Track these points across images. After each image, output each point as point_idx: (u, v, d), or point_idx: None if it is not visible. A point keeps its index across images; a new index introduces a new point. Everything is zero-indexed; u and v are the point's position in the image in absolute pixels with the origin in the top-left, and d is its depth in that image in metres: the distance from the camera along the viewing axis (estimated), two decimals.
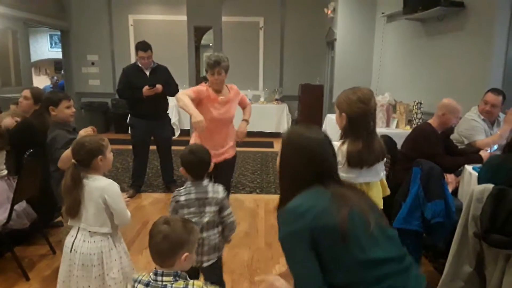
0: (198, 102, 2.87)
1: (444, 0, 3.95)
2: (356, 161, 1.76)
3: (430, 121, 2.99)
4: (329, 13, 6.94)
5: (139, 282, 1.37)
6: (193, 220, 1.84)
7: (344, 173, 1.73)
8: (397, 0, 5.07)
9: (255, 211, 4.03)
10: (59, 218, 3.26)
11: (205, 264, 2.02)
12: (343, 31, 6.59)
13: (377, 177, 1.92)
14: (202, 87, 2.98)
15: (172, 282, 1.33)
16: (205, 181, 2.03)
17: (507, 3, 3.45)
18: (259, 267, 2.88)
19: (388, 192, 2.04)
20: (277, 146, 7.10)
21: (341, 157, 1.77)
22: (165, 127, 4.44)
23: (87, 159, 1.85)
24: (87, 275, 1.82)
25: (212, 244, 2.02)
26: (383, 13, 5.86)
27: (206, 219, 1.98)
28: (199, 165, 2.01)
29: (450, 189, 2.65)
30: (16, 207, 2.69)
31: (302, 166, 1.28)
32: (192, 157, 2.00)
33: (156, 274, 1.35)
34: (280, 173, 1.36)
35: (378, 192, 1.94)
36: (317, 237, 1.16)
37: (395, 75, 5.79)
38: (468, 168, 2.67)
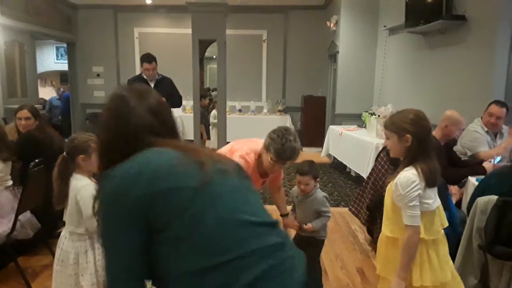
0: None
1: (446, 14, 3.99)
2: (432, 180, 1.65)
3: (433, 132, 3.00)
4: (331, 26, 7.01)
5: None
6: None
7: (425, 199, 1.65)
8: (399, 13, 5.12)
9: None
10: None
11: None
12: (345, 44, 6.65)
13: (439, 200, 1.79)
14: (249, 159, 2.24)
15: None
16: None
17: (508, 15, 3.49)
18: None
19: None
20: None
21: (417, 181, 1.63)
22: None
23: (71, 154, 1.93)
24: (64, 271, 1.91)
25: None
26: (385, 26, 5.92)
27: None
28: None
29: (454, 200, 2.65)
30: (20, 217, 2.70)
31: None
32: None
33: None
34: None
35: (443, 212, 1.81)
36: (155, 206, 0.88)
37: (397, 87, 5.82)
38: (472, 179, 2.67)
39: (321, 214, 2.35)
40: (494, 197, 2.02)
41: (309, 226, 2.34)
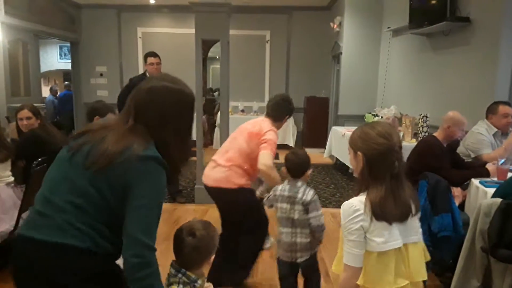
0: None
1: (450, 15, 3.98)
2: (380, 213, 1.29)
3: (435, 134, 2.99)
4: (335, 27, 7.00)
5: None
6: (283, 216, 2.19)
7: (375, 237, 1.29)
8: (403, 14, 5.11)
9: None
10: None
11: (299, 260, 2.22)
12: (349, 45, 6.65)
13: (415, 237, 1.40)
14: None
15: (173, 275, 1.42)
16: (300, 183, 2.21)
17: None
18: (264, 279, 2.86)
19: (428, 257, 1.46)
20: (283, 158, 7.08)
21: (366, 213, 1.31)
22: None
23: None
24: None
25: (304, 243, 2.18)
26: (389, 27, 5.91)
27: (296, 217, 2.17)
28: (298, 166, 2.23)
29: (457, 202, 2.64)
30: (23, 215, 2.71)
31: None
32: (294, 158, 2.24)
33: (171, 264, 1.44)
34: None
35: (420, 258, 1.41)
36: None
37: (401, 89, 5.80)
38: (475, 182, 2.66)
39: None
40: (498, 200, 2.02)
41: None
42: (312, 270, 2.30)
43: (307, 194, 2.16)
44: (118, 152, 1.20)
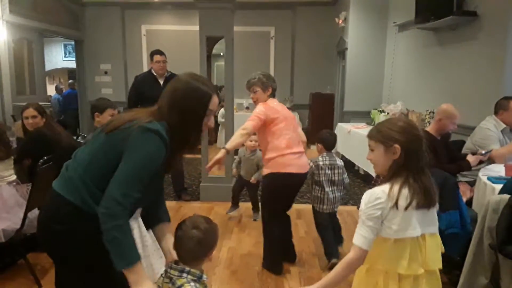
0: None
1: (456, 10, 3.93)
2: (405, 202, 1.35)
3: (427, 128, 3.02)
4: (340, 22, 6.95)
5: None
6: (326, 179, 2.97)
7: (393, 224, 1.35)
8: (409, 9, 5.06)
9: None
10: None
11: (335, 210, 3.08)
12: (354, 40, 6.60)
13: (433, 227, 1.45)
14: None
15: (177, 277, 1.38)
16: (334, 154, 3.09)
17: None
18: (270, 276, 2.86)
19: (443, 249, 1.49)
20: None
21: (386, 203, 1.36)
22: None
23: None
24: None
25: (340, 196, 3.07)
26: (394, 22, 5.86)
27: (336, 178, 3.00)
28: (333, 142, 3.09)
29: (464, 199, 2.61)
30: (29, 214, 2.72)
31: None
32: (329, 135, 3.13)
33: (170, 267, 1.42)
34: None
35: (437, 248, 1.46)
36: None
37: (407, 84, 5.76)
38: (483, 178, 2.63)
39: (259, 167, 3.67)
40: (506, 196, 1.99)
41: (253, 179, 3.80)
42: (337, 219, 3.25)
43: (340, 161, 3.07)
44: (127, 120, 1.37)
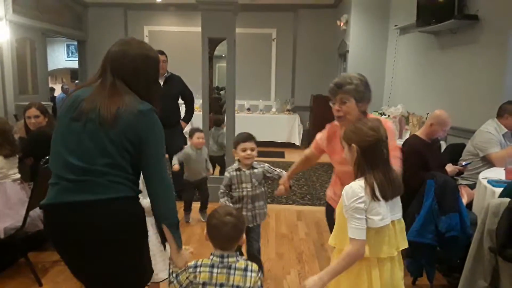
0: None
1: (458, 13, 3.94)
2: (379, 194, 1.52)
3: (417, 132, 3.06)
4: (341, 25, 6.97)
5: (201, 266, 1.56)
6: None
7: (374, 215, 1.51)
8: (410, 12, 5.08)
9: (266, 221, 3.99)
10: None
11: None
12: (355, 43, 6.61)
13: (399, 214, 1.66)
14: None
15: (235, 262, 1.55)
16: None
17: None
18: (270, 277, 2.87)
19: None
20: (288, 156, 7.09)
21: (366, 196, 1.52)
22: (176, 136, 4.47)
23: None
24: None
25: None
26: (396, 25, 5.87)
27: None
28: None
29: (464, 202, 2.62)
30: (30, 212, 2.73)
31: None
32: None
33: (222, 256, 1.55)
34: None
35: (403, 231, 1.68)
36: None
37: (408, 87, 5.77)
38: (483, 181, 2.64)
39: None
40: (506, 200, 2.00)
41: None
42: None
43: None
44: (116, 107, 1.42)
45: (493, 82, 3.70)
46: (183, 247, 1.58)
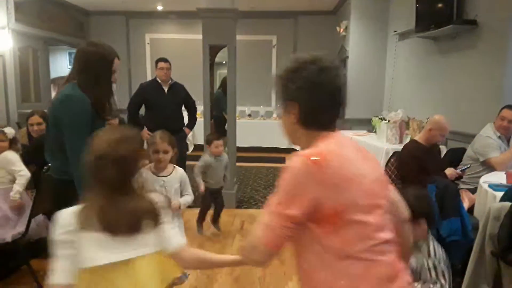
0: None
1: (456, 18, 3.97)
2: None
3: (416, 137, 3.06)
4: (341, 31, 7.01)
5: None
6: None
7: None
8: (409, 18, 5.11)
9: None
10: None
11: None
12: (355, 49, 6.65)
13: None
14: None
15: None
16: None
17: None
18: (271, 283, 2.87)
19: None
20: (289, 162, 7.08)
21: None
22: (180, 142, 4.49)
23: None
24: None
25: None
26: (395, 31, 5.90)
27: None
28: None
29: (465, 207, 2.62)
30: (33, 220, 2.74)
31: None
32: None
33: None
34: None
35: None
36: None
37: (408, 92, 5.78)
38: (484, 186, 2.64)
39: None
40: (507, 204, 2.00)
41: None
42: None
43: None
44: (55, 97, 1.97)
45: (493, 86, 3.72)
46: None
